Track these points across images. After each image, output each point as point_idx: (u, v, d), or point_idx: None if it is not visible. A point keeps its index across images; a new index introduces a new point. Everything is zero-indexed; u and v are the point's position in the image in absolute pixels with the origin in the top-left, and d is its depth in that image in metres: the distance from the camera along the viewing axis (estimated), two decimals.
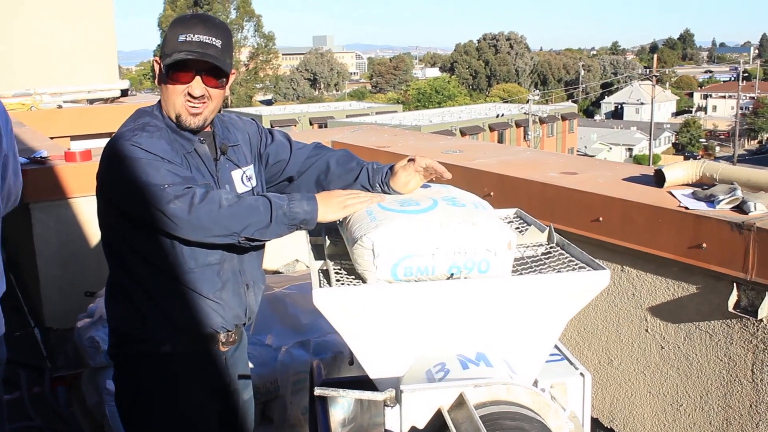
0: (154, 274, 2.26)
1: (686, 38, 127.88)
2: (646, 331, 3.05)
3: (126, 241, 2.25)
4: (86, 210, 4.47)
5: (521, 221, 2.49)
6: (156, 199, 2.05)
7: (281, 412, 3.42)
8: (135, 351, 2.33)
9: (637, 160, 53.71)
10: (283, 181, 2.50)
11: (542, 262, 2.11)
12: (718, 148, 65.82)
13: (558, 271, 2.01)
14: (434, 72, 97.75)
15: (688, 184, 3.15)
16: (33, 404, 4.22)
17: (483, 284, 1.90)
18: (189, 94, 2.21)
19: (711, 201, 2.83)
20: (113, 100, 10.34)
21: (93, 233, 4.51)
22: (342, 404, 3.12)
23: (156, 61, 2.26)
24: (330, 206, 2.12)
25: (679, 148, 66.33)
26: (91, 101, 10.33)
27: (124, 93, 10.59)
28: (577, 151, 56.74)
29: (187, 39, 2.19)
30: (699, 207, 2.81)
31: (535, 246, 2.26)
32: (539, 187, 3.39)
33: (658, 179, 3.18)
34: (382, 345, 1.93)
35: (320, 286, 1.90)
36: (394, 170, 2.34)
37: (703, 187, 3.03)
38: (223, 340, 2.37)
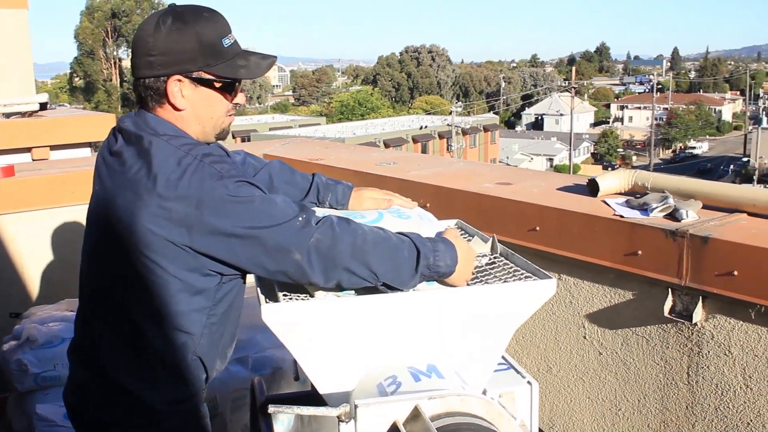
0: (212, 332, 1.97)
1: (602, 51, 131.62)
2: (584, 337, 3.10)
3: (186, 298, 1.87)
4: (9, 228, 4.32)
5: (463, 232, 2.50)
6: (293, 236, 1.75)
7: (221, 431, 3.35)
8: (179, 423, 2.03)
9: (558, 170, 54.94)
10: None
11: (488, 273, 2.11)
12: (635, 158, 67.86)
13: (504, 281, 2.03)
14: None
15: (620, 193, 3.22)
16: None
17: (431, 296, 1.89)
18: (236, 105, 1.95)
19: (644, 209, 2.90)
20: (31, 113, 10.03)
21: (17, 252, 4.35)
22: (283, 420, 3.07)
23: (177, 79, 1.83)
24: (466, 266, 1.93)
25: (597, 158, 68.17)
26: (8, 115, 10.01)
27: (43, 107, 10.29)
28: (500, 161, 57.68)
29: (232, 42, 1.86)
30: (633, 215, 2.88)
31: (478, 256, 2.27)
32: (475, 198, 3.42)
33: (591, 188, 3.25)
34: (332, 359, 1.91)
35: (266, 302, 1.87)
36: (361, 198, 2.26)
37: (635, 195, 3.10)
38: None
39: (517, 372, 2.26)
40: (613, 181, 3.22)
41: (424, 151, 50.13)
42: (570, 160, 48.55)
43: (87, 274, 2.01)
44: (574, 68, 59.93)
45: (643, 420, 2.94)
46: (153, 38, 1.82)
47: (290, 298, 1.92)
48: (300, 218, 1.77)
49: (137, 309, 1.90)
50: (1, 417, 4.05)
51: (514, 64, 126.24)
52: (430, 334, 1.93)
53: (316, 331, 1.86)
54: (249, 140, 38.43)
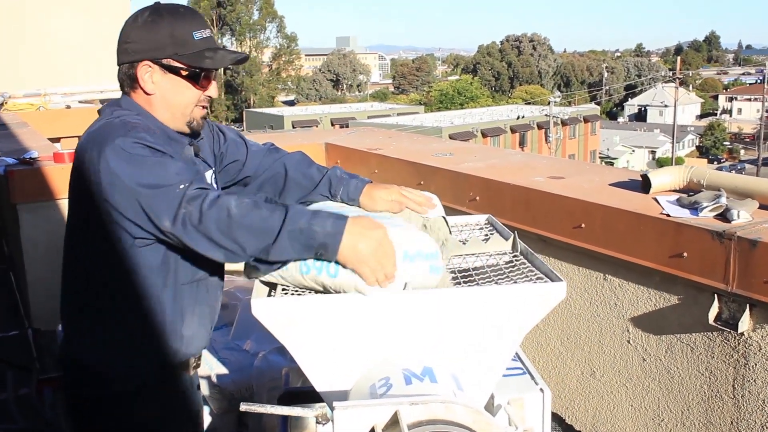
0: (145, 298, 1.99)
1: (712, 40, 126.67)
2: (628, 342, 2.94)
3: (112, 259, 1.94)
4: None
5: (491, 228, 2.40)
6: (167, 203, 1.78)
7: (257, 420, 3.35)
8: (118, 390, 2.06)
9: (660, 163, 53.27)
10: (238, 183, 2.31)
11: (502, 272, 2.01)
12: (742, 152, 65.13)
13: (515, 282, 1.92)
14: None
15: (675, 190, 3.05)
16: (19, 406, 4.18)
17: (428, 295, 1.81)
18: (208, 98, 2.02)
19: (695, 208, 2.73)
20: None
21: None
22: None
23: (147, 65, 1.94)
24: (361, 240, 1.75)
25: (703, 151, 65.76)
26: (103, 101, 10.33)
27: None
28: (600, 153, 56.33)
29: (204, 36, 1.97)
30: (681, 214, 2.71)
31: (499, 254, 2.17)
32: (523, 192, 3.29)
33: (644, 185, 3.08)
34: (327, 357, 1.85)
35: (258, 296, 1.82)
36: (374, 197, 2.14)
37: (689, 193, 2.92)
38: (194, 365, 2.19)
39: (532, 378, 2.15)
40: (666, 178, 3.04)
41: (522, 141, 49.46)
42: (672, 152, 46.96)
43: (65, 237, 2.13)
44: (679, 58, 57.74)
45: None
46: (131, 28, 1.96)
47: (286, 292, 1.88)
48: (182, 186, 1.78)
49: (86, 270, 2.04)
50: (61, 393, 4.18)
51: (618, 54, 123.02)
52: (429, 335, 1.84)
53: (309, 327, 1.80)
54: (348, 127, 38.71)
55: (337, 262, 1.78)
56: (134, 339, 2.04)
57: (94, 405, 2.08)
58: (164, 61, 1.94)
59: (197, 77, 1.97)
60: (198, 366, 2.23)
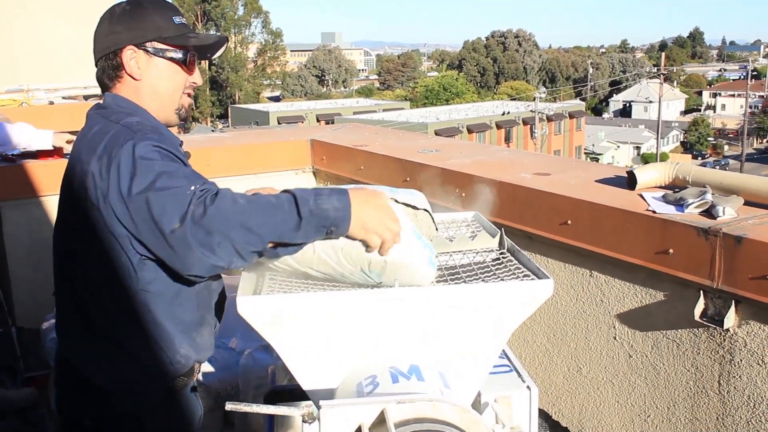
0: (156, 311, 1.89)
1: (696, 36, 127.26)
2: (615, 338, 2.95)
3: (117, 275, 1.83)
4: (54, 208, 4.39)
5: (478, 225, 2.40)
6: (179, 202, 1.65)
7: (242, 417, 3.33)
8: (127, 409, 1.97)
9: (645, 158, 53.51)
10: None
11: (489, 270, 2.01)
12: (726, 147, 65.53)
13: (502, 280, 1.92)
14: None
15: (660, 187, 3.05)
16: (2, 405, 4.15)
17: (416, 292, 1.80)
18: (193, 84, 2.01)
19: (680, 204, 2.73)
20: None
21: None
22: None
23: (132, 50, 1.89)
24: (366, 209, 1.70)
25: (687, 147, 66.11)
26: (87, 97, 10.25)
27: None
28: (585, 149, 56.50)
29: (183, 22, 1.97)
30: (667, 211, 2.71)
31: (486, 252, 2.17)
32: (509, 189, 3.29)
33: (630, 181, 3.08)
34: (314, 355, 1.84)
35: (243, 294, 1.80)
36: None
37: (674, 189, 2.93)
38: (197, 370, 2.12)
39: (519, 375, 2.15)
40: (652, 174, 3.04)
41: (507, 137, 49.53)
42: (657, 148, 47.15)
43: (54, 245, 2.03)
44: (663, 54, 58.00)
45: (672, 429, 2.77)
46: (109, 19, 1.94)
47: (272, 290, 1.86)
48: (192, 187, 1.67)
49: (82, 280, 1.91)
50: (45, 393, 4.15)
51: (603, 50, 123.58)
52: (416, 333, 1.83)
53: (294, 325, 1.79)
54: (333, 122, 38.53)
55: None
56: (147, 354, 1.94)
57: (98, 427, 1.97)
58: (148, 45, 1.91)
59: (184, 59, 1.95)
60: (199, 371, 2.17)
